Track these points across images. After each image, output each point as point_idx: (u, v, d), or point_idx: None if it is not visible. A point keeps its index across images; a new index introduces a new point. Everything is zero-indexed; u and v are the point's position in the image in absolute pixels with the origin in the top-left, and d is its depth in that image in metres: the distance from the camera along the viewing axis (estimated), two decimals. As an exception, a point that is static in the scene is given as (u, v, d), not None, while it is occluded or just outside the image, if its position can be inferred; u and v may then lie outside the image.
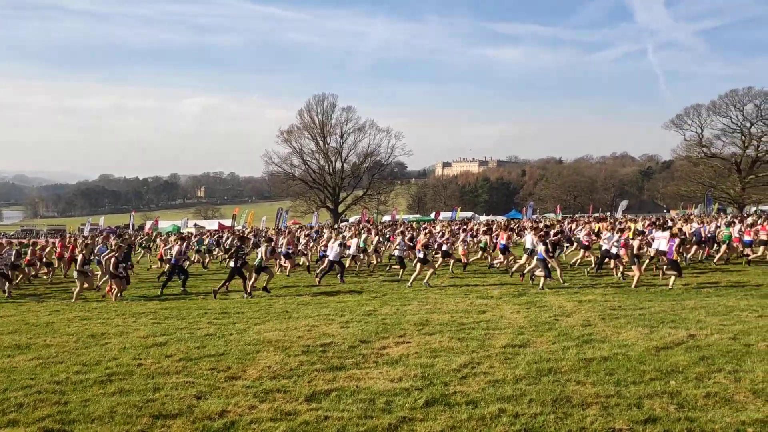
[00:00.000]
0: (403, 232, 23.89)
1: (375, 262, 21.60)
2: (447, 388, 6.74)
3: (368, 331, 10.10)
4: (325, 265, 18.67)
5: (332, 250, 18.29)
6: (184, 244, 18.91)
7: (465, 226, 30.96)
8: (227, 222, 61.15)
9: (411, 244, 19.43)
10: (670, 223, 21.32)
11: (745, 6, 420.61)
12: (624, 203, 61.27)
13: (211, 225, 68.49)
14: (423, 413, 5.99)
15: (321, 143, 76.72)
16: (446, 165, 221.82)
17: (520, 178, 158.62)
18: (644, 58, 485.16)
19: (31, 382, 7.43)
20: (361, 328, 10.40)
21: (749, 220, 25.46)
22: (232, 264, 15.96)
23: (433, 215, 78.23)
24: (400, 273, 18.83)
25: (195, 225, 70.11)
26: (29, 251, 21.48)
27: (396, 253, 19.49)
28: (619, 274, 16.39)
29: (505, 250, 19.98)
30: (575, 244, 22.57)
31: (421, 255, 16.34)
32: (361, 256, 21.31)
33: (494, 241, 21.57)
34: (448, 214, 76.57)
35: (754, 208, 62.66)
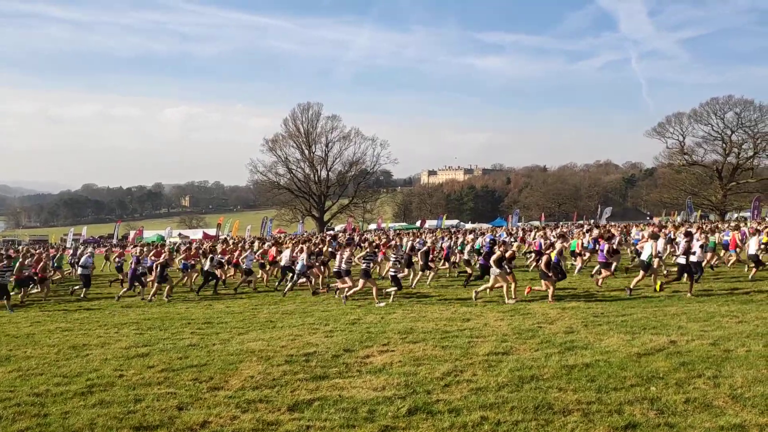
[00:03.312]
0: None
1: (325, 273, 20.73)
2: (430, 396, 6.74)
3: (352, 339, 10.09)
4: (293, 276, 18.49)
5: (285, 258, 18.83)
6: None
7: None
8: (212, 231, 60.82)
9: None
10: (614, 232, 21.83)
11: (725, 16, 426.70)
12: (608, 210, 61.62)
13: (196, 234, 68.15)
14: (405, 422, 5.99)
15: (306, 152, 76.65)
16: (432, 173, 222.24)
17: (505, 185, 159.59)
18: (627, 66, 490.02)
19: (10, 395, 7.35)
20: (345, 336, 10.39)
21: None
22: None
23: (418, 223, 78.34)
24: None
25: (179, 234, 69.73)
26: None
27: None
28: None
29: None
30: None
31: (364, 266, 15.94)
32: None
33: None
34: (434, 222, 76.75)
35: (735, 215, 63.41)
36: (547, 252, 14.57)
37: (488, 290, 14.78)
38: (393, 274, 15.49)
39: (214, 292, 18.33)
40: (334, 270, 16.94)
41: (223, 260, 20.41)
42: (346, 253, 16.18)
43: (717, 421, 5.67)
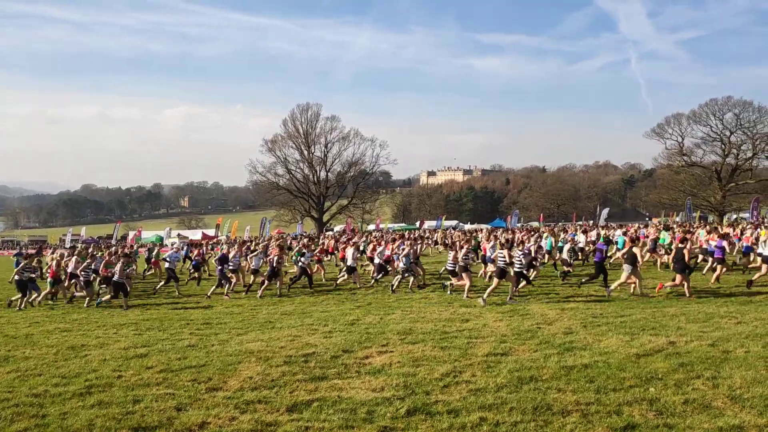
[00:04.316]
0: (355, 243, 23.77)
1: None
2: (429, 397, 6.74)
3: (351, 340, 10.08)
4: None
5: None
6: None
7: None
8: (211, 232, 60.81)
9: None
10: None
11: (724, 18, 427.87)
12: (606, 211, 61.64)
13: (195, 235, 68.11)
14: (404, 422, 5.99)
15: (305, 152, 76.61)
16: (431, 174, 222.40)
17: (504, 186, 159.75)
18: (627, 67, 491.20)
19: (8, 395, 7.34)
20: (344, 337, 10.39)
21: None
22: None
23: (418, 224, 78.35)
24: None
25: (178, 235, 69.65)
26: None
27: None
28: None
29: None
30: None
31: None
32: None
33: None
34: (433, 223, 76.75)
35: (734, 216, 63.41)
36: (682, 246, 14.50)
37: (620, 286, 14.77)
38: (519, 270, 15.11)
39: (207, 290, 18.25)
40: (447, 268, 16.87)
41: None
42: (461, 252, 16.00)
43: (716, 422, 5.67)
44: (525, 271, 15.44)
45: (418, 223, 79.15)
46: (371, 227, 71.28)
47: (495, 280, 14.74)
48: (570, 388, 6.84)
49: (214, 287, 18.29)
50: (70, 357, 9.63)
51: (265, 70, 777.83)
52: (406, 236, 27.44)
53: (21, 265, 17.04)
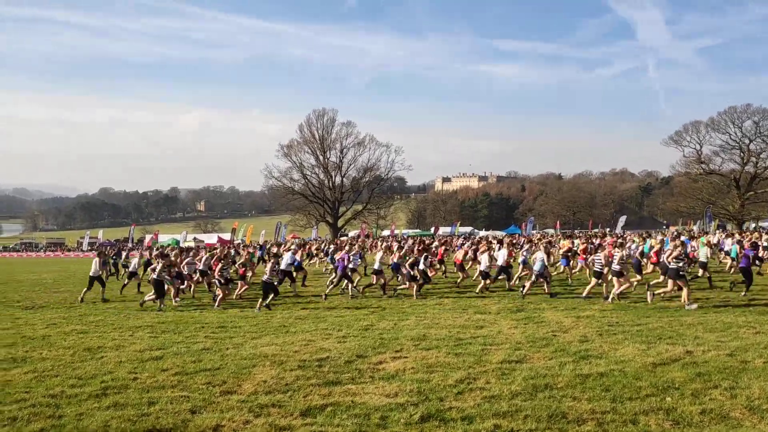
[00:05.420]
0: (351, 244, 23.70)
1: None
2: (443, 403, 6.72)
3: (365, 345, 10.08)
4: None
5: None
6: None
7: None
8: (227, 236, 61.11)
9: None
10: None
11: (742, 25, 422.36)
12: (623, 219, 61.11)
13: (211, 239, 68.52)
14: (418, 429, 5.97)
15: (321, 158, 76.89)
16: (446, 180, 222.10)
17: (519, 193, 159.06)
18: (644, 75, 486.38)
19: (25, 396, 7.42)
20: (358, 342, 10.39)
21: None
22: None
23: (432, 230, 78.24)
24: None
25: (194, 239, 70.14)
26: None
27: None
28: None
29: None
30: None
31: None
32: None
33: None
34: (448, 229, 76.58)
35: (753, 224, 62.63)
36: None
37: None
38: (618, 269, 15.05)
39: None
40: (597, 270, 15.92)
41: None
42: (619, 254, 15.42)
43: (734, 433, 5.60)
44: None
45: (432, 229, 79.01)
46: (386, 233, 71.27)
47: (615, 280, 14.98)
48: (585, 396, 6.79)
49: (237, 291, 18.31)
50: (87, 358, 9.72)
51: (281, 75, 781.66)
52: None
53: (161, 266, 16.82)
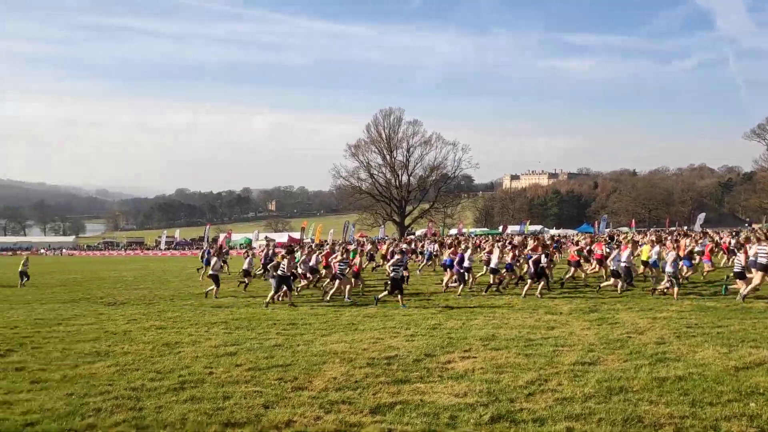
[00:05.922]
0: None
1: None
2: (513, 404, 6.62)
3: (433, 344, 10.06)
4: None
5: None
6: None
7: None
8: (296, 235, 62.28)
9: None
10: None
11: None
12: (702, 216, 58.47)
13: (281, 238, 69.98)
14: (488, 429, 5.91)
15: (388, 157, 77.30)
16: (514, 178, 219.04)
17: (591, 190, 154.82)
18: (723, 66, 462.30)
19: (109, 388, 7.78)
20: (426, 341, 10.38)
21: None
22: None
23: (500, 228, 77.24)
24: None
25: (266, 237, 71.77)
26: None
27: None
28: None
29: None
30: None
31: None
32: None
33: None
34: (517, 228, 75.45)
35: None
36: None
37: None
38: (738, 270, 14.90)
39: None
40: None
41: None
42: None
43: (827, 443, 5.27)
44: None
45: (501, 228, 78.01)
46: (453, 231, 70.86)
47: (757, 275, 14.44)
48: (663, 400, 6.54)
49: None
50: (165, 353, 10.11)
51: (348, 76, 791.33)
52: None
53: (290, 263, 17.19)
